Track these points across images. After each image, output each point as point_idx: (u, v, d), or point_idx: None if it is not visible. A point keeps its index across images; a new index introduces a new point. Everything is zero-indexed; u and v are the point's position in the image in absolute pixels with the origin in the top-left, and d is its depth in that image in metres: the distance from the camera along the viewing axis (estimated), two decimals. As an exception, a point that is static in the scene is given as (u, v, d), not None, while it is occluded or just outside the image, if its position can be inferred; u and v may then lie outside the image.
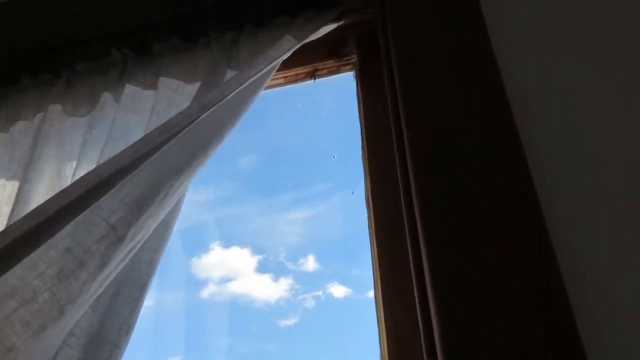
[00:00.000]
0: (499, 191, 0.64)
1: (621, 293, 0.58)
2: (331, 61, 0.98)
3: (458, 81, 0.74)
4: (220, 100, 0.69)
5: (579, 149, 0.67)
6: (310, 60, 0.98)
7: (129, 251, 0.64)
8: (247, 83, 0.72)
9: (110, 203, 0.59)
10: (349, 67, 0.98)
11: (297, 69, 0.99)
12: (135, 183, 0.63)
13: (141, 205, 0.64)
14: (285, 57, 0.81)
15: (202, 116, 0.67)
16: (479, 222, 0.62)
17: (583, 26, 0.76)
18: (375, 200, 0.82)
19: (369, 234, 0.82)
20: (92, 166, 0.87)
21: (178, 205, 0.74)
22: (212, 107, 0.68)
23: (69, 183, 0.89)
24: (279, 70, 0.91)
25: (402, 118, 0.74)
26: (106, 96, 0.94)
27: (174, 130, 0.64)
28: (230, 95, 0.70)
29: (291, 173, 1.15)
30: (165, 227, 0.71)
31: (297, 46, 0.82)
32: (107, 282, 0.61)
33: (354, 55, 0.96)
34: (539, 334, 0.54)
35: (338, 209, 1.07)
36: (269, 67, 0.77)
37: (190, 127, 0.67)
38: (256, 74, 0.74)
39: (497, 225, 0.62)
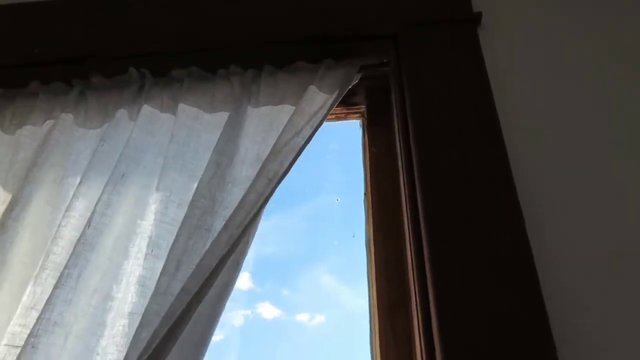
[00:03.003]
0: (500, 255, 0.68)
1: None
2: (340, 108, 1.01)
3: (469, 148, 0.78)
4: (283, 173, 0.72)
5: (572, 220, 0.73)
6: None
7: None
8: (301, 151, 0.76)
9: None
10: (357, 115, 1.00)
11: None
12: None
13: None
14: (323, 117, 0.83)
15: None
16: (489, 293, 0.66)
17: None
18: (377, 247, 0.84)
19: (368, 275, 0.83)
20: (100, 179, 0.84)
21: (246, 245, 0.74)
22: (277, 181, 0.71)
23: (69, 192, 0.85)
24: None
25: (417, 176, 0.77)
26: (122, 112, 0.91)
27: (254, 210, 0.68)
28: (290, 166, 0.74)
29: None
30: (235, 266, 0.72)
31: (334, 104, 0.84)
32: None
33: (363, 106, 0.99)
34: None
35: (278, 228, 1.07)
36: (311, 132, 0.80)
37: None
38: (303, 140, 0.77)
39: (501, 294, 0.65)
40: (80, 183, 0.83)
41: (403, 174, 0.83)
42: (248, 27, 0.98)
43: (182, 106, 0.90)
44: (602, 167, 0.76)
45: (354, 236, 0.87)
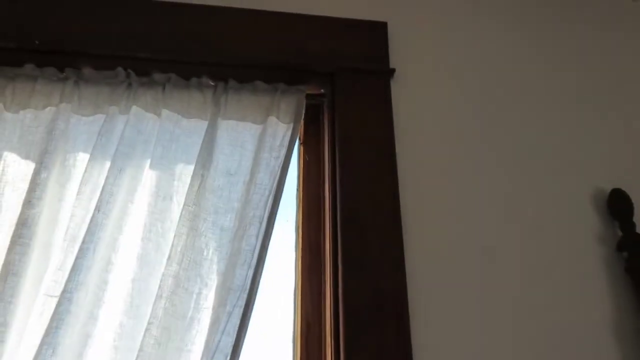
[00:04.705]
0: (386, 254, 1.01)
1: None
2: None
3: (372, 168, 1.09)
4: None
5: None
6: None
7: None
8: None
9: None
10: (298, 128, 1.25)
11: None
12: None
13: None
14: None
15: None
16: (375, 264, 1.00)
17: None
18: (304, 230, 1.13)
19: (295, 249, 1.13)
20: (100, 167, 1.02)
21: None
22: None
23: (71, 172, 1.03)
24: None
25: (338, 182, 1.08)
26: (114, 109, 1.08)
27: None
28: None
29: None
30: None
31: (293, 133, 1.09)
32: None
33: (302, 121, 1.23)
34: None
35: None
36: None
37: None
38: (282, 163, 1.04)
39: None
40: (85, 171, 1.01)
41: (327, 179, 1.12)
42: (220, 45, 1.17)
43: (164, 111, 1.09)
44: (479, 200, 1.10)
45: (287, 221, 1.16)
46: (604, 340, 1.00)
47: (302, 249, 1.12)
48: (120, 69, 1.12)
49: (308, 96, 1.18)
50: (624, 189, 1.11)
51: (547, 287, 1.03)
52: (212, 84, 1.14)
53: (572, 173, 1.16)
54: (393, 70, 1.17)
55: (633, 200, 1.10)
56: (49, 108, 1.08)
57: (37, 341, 0.85)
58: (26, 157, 1.04)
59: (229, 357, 0.88)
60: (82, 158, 1.05)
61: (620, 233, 1.09)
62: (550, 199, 1.12)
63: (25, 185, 0.99)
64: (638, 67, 1.31)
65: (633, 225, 1.07)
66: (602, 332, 1.00)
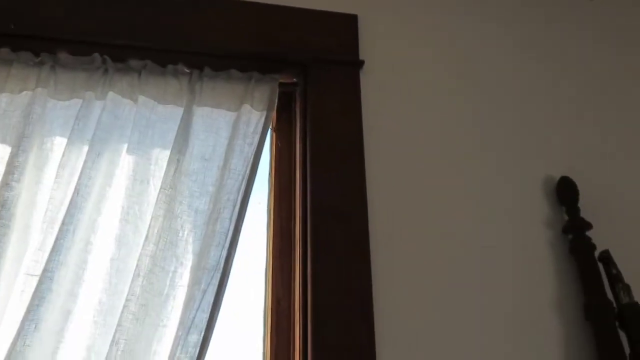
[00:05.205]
0: (352, 239, 1.07)
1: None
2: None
3: (345, 159, 1.14)
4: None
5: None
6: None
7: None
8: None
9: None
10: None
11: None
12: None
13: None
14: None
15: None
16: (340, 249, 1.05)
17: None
18: (275, 212, 1.18)
19: (267, 232, 1.18)
20: (77, 152, 1.04)
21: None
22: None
23: (48, 156, 1.05)
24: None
25: (308, 166, 1.12)
26: (90, 95, 1.09)
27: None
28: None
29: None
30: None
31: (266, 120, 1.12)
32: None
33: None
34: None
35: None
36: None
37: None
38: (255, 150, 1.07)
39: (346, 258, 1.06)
40: (63, 155, 1.03)
41: (298, 166, 1.17)
42: (196, 34, 1.19)
43: (141, 98, 1.11)
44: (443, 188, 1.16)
45: (259, 203, 1.20)
46: (549, 318, 1.08)
47: (273, 231, 1.17)
48: (96, 55, 1.13)
49: (281, 85, 1.22)
50: (571, 177, 1.19)
51: (498, 267, 1.11)
52: (188, 71, 1.17)
53: (524, 161, 1.23)
54: (362, 62, 1.22)
55: (579, 188, 1.18)
56: (25, 92, 1.09)
57: (19, 318, 0.88)
58: (3, 140, 1.05)
59: (203, 332, 0.92)
60: (60, 142, 1.06)
61: (566, 217, 1.17)
62: (504, 185, 1.19)
63: (2, 168, 1.01)
64: (590, 58, 1.39)
65: (578, 210, 1.15)
66: (547, 310, 1.08)
